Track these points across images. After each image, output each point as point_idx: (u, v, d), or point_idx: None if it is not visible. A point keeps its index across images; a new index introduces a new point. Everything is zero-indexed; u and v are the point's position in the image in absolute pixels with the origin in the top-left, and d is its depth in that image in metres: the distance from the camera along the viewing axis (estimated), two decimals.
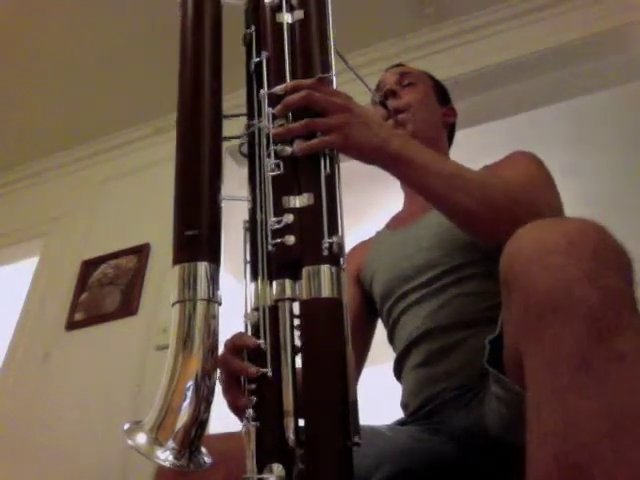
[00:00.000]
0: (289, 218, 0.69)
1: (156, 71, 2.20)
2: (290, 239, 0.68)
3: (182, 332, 0.64)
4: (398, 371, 1.10)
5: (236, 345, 0.69)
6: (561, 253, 0.56)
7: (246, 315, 0.69)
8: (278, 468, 0.62)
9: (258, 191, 0.72)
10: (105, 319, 2.15)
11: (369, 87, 1.16)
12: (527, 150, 1.08)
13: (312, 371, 0.64)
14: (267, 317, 0.67)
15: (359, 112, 0.80)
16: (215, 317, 0.65)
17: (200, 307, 0.64)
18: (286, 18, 0.80)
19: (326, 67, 0.78)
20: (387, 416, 1.07)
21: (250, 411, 0.64)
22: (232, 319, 0.76)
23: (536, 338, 0.55)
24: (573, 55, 2.03)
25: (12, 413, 2.09)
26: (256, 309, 0.68)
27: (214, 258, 0.67)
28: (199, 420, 0.62)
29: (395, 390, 1.12)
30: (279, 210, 0.70)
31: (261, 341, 0.66)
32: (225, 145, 0.75)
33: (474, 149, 1.78)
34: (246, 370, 0.66)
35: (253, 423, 0.63)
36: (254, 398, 0.65)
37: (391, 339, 1.14)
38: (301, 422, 0.63)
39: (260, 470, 0.62)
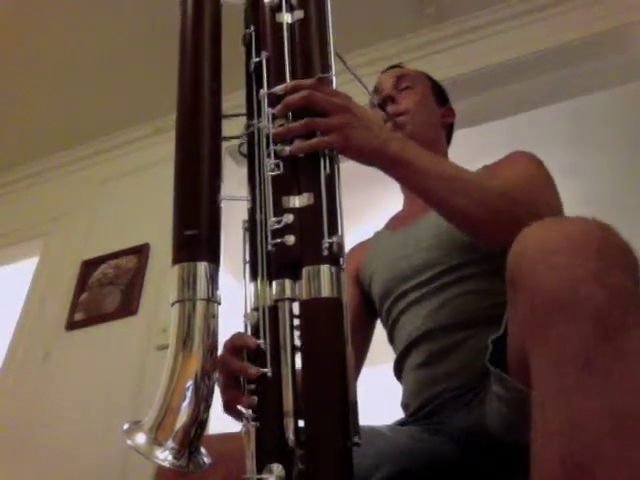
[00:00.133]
0: (289, 218, 0.69)
1: (156, 71, 2.20)
2: (290, 239, 0.68)
3: (182, 332, 0.63)
4: (398, 371, 1.10)
5: (235, 345, 0.69)
6: (567, 252, 0.55)
7: (246, 315, 0.69)
8: (278, 468, 0.62)
9: (258, 191, 0.72)
10: (105, 319, 2.15)
11: (367, 89, 1.16)
12: (527, 150, 1.08)
13: (312, 371, 0.64)
14: (267, 317, 0.67)
15: (359, 113, 0.80)
16: (215, 317, 0.65)
17: (200, 307, 0.64)
18: (286, 18, 0.80)
19: (326, 67, 0.78)
20: (387, 416, 1.07)
21: (250, 411, 0.64)
22: (231, 319, 0.76)
23: (542, 338, 0.55)
24: (573, 55, 2.03)
25: (12, 413, 2.09)
26: (256, 309, 0.68)
27: (213, 258, 0.67)
28: (199, 420, 0.62)
29: (395, 390, 1.12)
30: (279, 210, 0.70)
31: (261, 341, 0.66)
32: (225, 145, 0.75)
33: (474, 149, 1.78)
34: (246, 370, 0.66)
35: (253, 423, 0.63)
36: (255, 398, 0.65)
37: (391, 339, 1.14)
38: (301, 422, 0.63)
39: (260, 470, 0.62)
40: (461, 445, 0.92)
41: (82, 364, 2.10)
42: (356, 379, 0.86)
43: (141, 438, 0.61)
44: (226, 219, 0.72)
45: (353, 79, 0.98)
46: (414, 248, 1.09)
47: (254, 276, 0.69)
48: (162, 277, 2.07)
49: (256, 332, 0.67)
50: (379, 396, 2.35)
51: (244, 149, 0.77)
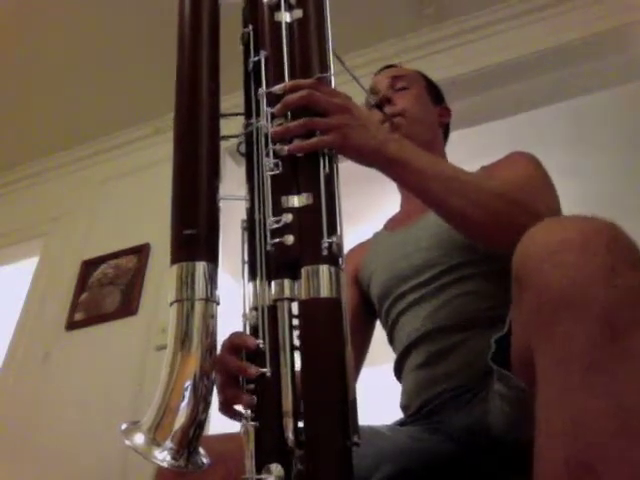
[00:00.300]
0: (288, 218, 0.69)
1: (156, 71, 2.20)
2: (289, 239, 0.68)
3: (180, 331, 0.63)
4: (398, 372, 1.10)
5: (234, 344, 0.69)
6: (574, 251, 0.55)
7: (245, 315, 0.69)
8: (277, 468, 0.61)
9: (257, 190, 0.72)
10: (105, 319, 2.15)
11: (365, 89, 1.16)
12: (526, 150, 1.08)
13: (311, 371, 0.64)
14: (266, 317, 0.67)
15: (358, 114, 0.79)
16: (213, 317, 0.65)
17: (198, 306, 0.64)
18: (284, 17, 0.80)
19: (325, 67, 0.78)
20: (387, 416, 1.07)
21: (249, 411, 0.64)
22: (230, 319, 0.76)
23: (547, 336, 0.55)
24: (573, 55, 2.03)
25: (12, 413, 2.09)
26: (255, 309, 0.68)
27: (212, 258, 0.67)
28: (197, 420, 0.62)
29: (395, 390, 1.12)
30: (278, 210, 0.70)
31: (260, 341, 0.66)
32: (223, 145, 0.75)
33: (474, 149, 1.79)
34: (245, 370, 0.65)
35: (252, 423, 0.63)
36: (254, 398, 0.65)
37: (391, 340, 1.14)
38: (300, 422, 0.63)
39: (259, 470, 0.62)
40: (461, 444, 0.92)
41: (82, 364, 2.10)
42: (356, 379, 0.86)
43: (139, 438, 0.61)
44: (225, 219, 0.72)
45: (352, 79, 0.98)
46: (414, 248, 1.09)
47: (253, 276, 0.69)
48: (162, 277, 2.06)
49: (255, 332, 0.67)
50: (379, 396, 2.35)
51: (243, 148, 0.77)
